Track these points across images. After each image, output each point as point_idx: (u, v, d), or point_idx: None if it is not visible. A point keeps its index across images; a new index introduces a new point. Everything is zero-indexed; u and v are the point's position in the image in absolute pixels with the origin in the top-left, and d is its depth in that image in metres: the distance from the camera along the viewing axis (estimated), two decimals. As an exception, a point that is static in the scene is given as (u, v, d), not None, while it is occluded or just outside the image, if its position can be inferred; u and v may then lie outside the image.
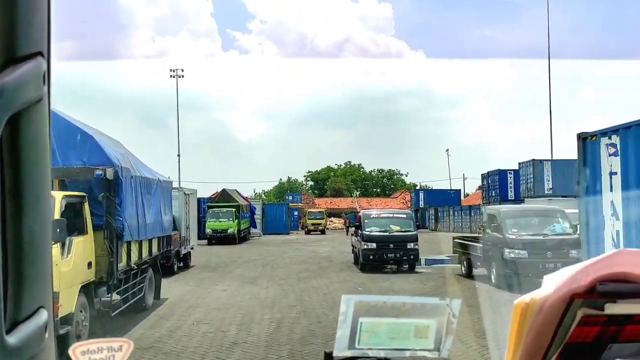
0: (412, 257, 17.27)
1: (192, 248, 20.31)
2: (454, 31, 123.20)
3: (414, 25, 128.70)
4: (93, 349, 1.00)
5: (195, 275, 17.41)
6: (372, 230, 17.73)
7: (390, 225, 17.97)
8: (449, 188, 74.04)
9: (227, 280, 16.08)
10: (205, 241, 34.14)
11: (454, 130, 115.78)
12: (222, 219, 34.11)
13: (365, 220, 18.12)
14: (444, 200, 64.09)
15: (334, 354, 1.07)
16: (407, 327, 1.07)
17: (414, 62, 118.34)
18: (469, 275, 15.44)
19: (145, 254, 10.52)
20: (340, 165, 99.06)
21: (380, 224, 18.01)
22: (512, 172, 46.63)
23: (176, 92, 57.75)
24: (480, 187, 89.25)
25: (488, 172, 48.13)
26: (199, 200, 41.54)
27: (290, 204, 55.83)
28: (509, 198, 46.21)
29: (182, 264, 19.33)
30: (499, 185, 46.10)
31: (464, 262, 15.93)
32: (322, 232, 49.49)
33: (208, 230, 34.05)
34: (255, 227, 39.67)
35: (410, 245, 17.37)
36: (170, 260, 16.92)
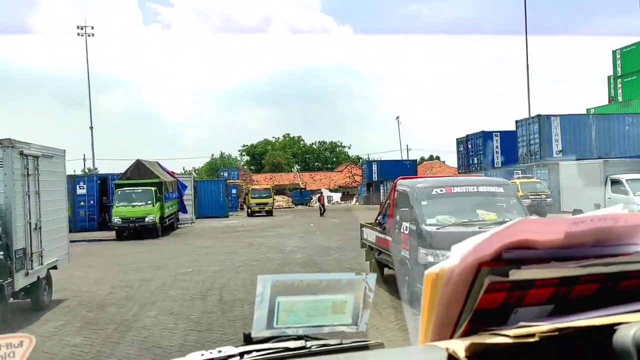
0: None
1: (54, 267, 9.81)
2: (380, 7, 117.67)
3: (340, 1, 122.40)
4: None
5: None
6: (442, 224, 7.95)
7: (477, 211, 8.29)
8: (404, 159, 65.71)
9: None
10: (114, 234, 23.41)
11: (382, 105, 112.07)
12: (136, 203, 23.25)
13: (423, 203, 8.24)
14: (399, 172, 55.10)
15: (252, 335, 1.02)
16: (325, 303, 1.04)
17: (342, 38, 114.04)
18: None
19: None
20: (279, 138, 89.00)
21: (455, 208, 8.23)
22: (498, 134, 38.13)
23: (86, 52, 45.88)
24: (423, 159, 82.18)
25: (467, 135, 39.29)
26: (105, 177, 30.45)
27: (227, 181, 45.39)
28: (495, 165, 37.89)
29: (30, 300, 8.92)
30: (483, 150, 37.55)
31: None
32: (269, 213, 39.41)
33: (116, 220, 23.08)
34: (185, 211, 28.92)
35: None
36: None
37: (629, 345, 0.73)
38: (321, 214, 35.53)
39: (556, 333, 0.77)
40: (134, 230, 23.13)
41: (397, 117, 70.17)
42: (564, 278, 0.83)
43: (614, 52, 40.37)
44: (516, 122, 31.67)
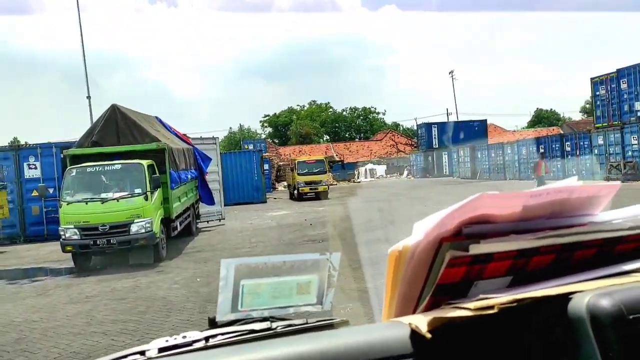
0: None
1: None
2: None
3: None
4: None
5: None
6: None
7: None
8: (470, 120, 52.02)
9: None
10: (68, 259, 10.92)
11: (390, 78, 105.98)
12: (110, 193, 10.78)
13: None
14: (467, 136, 42.56)
15: (217, 319, 0.99)
16: (289, 284, 1.01)
17: (347, 11, 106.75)
18: None
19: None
20: (304, 107, 75.77)
21: None
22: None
23: (79, 21, 33.24)
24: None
25: (618, 70, 26.37)
26: (70, 146, 17.78)
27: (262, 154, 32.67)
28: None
29: None
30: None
31: None
32: (323, 195, 26.79)
33: (69, 231, 10.62)
34: (210, 201, 16.18)
35: None
36: None
37: (583, 313, 0.74)
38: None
39: (515, 304, 0.76)
40: (109, 252, 10.66)
41: (451, 72, 56.53)
42: (522, 250, 0.83)
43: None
44: None
